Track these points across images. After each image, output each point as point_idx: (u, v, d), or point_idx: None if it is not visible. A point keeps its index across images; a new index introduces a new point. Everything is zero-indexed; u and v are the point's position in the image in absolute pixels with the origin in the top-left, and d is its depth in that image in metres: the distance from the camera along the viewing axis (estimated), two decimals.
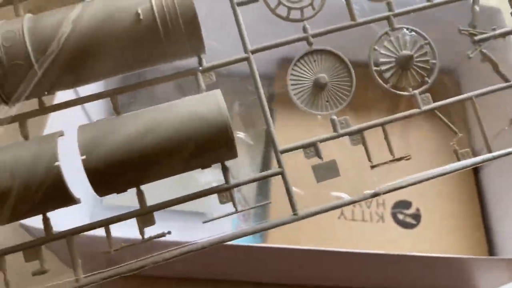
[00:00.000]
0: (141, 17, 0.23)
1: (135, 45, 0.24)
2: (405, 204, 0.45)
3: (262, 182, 0.53)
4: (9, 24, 0.24)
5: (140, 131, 0.23)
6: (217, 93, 0.24)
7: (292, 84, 0.27)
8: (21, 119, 0.25)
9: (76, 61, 0.24)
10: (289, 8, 0.27)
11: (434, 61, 0.28)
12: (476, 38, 0.28)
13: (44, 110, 0.25)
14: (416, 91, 0.27)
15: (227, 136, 0.23)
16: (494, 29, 0.29)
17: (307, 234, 0.45)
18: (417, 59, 0.28)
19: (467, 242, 0.47)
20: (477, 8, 0.29)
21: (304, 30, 0.27)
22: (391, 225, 0.44)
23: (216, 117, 0.23)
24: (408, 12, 0.28)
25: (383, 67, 0.27)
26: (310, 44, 0.27)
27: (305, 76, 0.27)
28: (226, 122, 0.23)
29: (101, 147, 0.23)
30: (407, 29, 0.28)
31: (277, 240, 0.46)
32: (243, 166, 0.58)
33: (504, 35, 0.29)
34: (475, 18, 0.28)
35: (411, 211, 0.47)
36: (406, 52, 0.28)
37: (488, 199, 0.50)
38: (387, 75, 0.27)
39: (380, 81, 0.27)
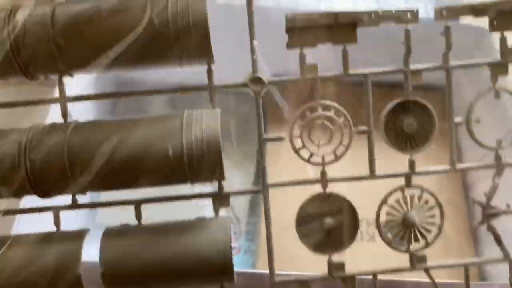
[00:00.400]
0: (171, 154, 0.26)
1: (164, 175, 0.27)
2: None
3: (254, 201, 0.55)
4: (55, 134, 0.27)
5: (157, 262, 0.27)
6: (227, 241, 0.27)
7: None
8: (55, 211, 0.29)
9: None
10: (311, 154, 0.29)
11: (440, 223, 0.29)
12: (487, 212, 0.29)
13: (77, 206, 0.29)
14: (411, 250, 0.29)
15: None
16: (508, 206, 0.29)
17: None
18: (423, 222, 0.29)
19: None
20: (497, 181, 0.29)
21: (322, 175, 0.29)
22: (382, 244, 0.42)
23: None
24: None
25: (388, 222, 0.29)
26: (324, 188, 0.29)
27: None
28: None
29: (121, 267, 0.27)
30: (422, 189, 0.29)
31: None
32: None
33: None
34: (491, 193, 0.29)
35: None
36: (412, 216, 0.29)
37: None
38: (387, 230, 0.29)
39: (383, 235, 0.29)
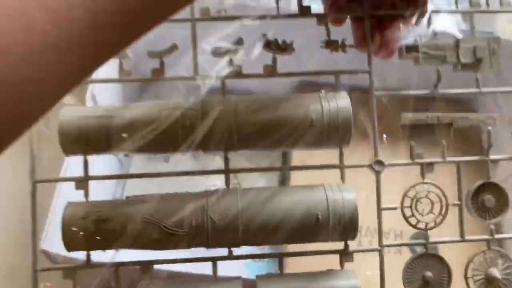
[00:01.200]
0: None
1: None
2: (423, 236, 0.40)
3: None
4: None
5: None
6: None
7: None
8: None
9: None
10: (418, 221, 0.37)
11: None
12: None
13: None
14: None
15: None
16: None
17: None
18: (503, 279, 0.37)
19: None
20: None
21: (426, 239, 0.37)
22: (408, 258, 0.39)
23: None
24: None
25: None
26: (426, 248, 0.37)
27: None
28: None
29: None
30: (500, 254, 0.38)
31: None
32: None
33: None
34: None
35: None
36: (495, 273, 0.37)
37: None
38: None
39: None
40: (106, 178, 0.37)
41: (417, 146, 0.37)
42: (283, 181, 0.68)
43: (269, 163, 0.60)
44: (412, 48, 0.37)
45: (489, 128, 0.38)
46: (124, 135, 0.33)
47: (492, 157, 0.38)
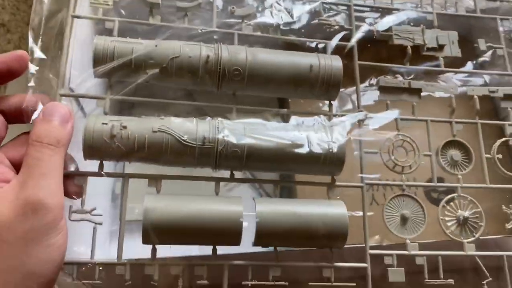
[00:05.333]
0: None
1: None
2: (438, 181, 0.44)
3: None
4: None
5: None
6: None
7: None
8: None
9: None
10: (395, 164, 0.42)
11: (481, 223, 0.42)
12: None
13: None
14: (465, 241, 0.41)
15: None
16: None
17: None
18: (470, 220, 0.42)
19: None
20: None
21: (401, 180, 0.42)
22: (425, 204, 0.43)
23: None
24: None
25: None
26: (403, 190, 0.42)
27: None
28: None
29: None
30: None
31: None
32: None
33: None
34: None
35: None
36: (464, 214, 0.42)
37: None
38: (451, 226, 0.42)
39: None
40: None
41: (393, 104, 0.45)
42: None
43: None
44: (386, 30, 0.46)
45: (452, 96, 0.45)
46: (151, 61, 0.39)
47: (455, 119, 0.45)
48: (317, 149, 0.39)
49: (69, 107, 0.36)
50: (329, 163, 0.40)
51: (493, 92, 0.46)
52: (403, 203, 0.42)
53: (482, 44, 0.48)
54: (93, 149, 0.37)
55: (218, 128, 0.39)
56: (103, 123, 0.38)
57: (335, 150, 0.39)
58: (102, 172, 0.38)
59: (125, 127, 0.38)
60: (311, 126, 0.41)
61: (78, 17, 0.41)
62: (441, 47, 0.47)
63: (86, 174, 0.38)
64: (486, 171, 0.44)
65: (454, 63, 0.47)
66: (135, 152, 0.37)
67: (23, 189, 0.31)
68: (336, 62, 0.42)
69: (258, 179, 0.42)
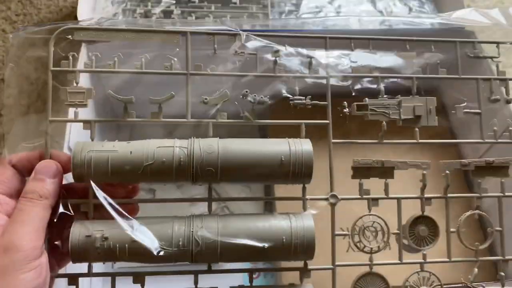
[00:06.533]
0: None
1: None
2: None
3: None
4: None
5: None
6: None
7: None
8: None
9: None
10: (364, 246, 0.45)
11: None
12: None
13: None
14: None
15: None
16: None
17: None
18: None
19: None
20: None
21: (370, 260, 0.45)
22: (397, 251, 0.46)
23: None
24: None
25: None
26: (371, 268, 0.45)
27: None
28: None
29: None
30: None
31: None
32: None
33: None
34: None
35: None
36: None
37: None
38: None
39: None
40: None
41: (366, 183, 0.46)
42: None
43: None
44: (362, 106, 0.46)
45: (424, 172, 0.46)
46: (127, 167, 0.41)
47: (426, 195, 0.47)
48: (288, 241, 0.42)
49: (57, 164, 0.41)
50: (300, 252, 0.42)
51: (465, 165, 0.47)
52: (370, 281, 0.46)
53: (459, 111, 0.48)
54: (80, 256, 0.41)
55: (192, 231, 0.41)
56: (86, 236, 0.40)
57: (305, 239, 0.42)
58: (91, 273, 0.42)
59: (106, 238, 0.40)
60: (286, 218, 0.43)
61: (55, 120, 0.42)
62: (417, 118, 0.47)
63: (76, 276, 0.42)
64: (451, 246, 0.47)
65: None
66: (118, 257, 0.40)
67: (4, 233, 0.38)
68: (307, 147, 0.43)
69: (234, 269, 0.45)
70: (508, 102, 0.49)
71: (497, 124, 0.49)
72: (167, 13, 0.75)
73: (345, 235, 0.45)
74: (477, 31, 0.58)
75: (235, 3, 0.77)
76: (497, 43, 0.50)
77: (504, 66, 0.50)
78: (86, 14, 0.70)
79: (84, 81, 0.52)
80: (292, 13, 0.73)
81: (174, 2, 0.76)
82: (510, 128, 0.49)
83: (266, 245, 0.41)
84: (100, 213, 0.42)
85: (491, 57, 0.50)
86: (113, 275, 0.43)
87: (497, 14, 0.56)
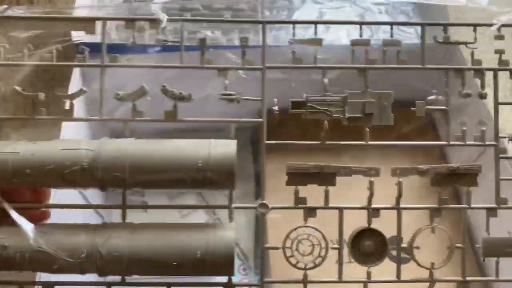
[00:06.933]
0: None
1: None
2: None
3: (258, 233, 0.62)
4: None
5: None
6: None
7: None
8: None
9: None
10: (297, 261, 0.40)
11: None
12: None
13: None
14: None
15: None
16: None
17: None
18: None
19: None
20: None
21: (304, 276, 0.40)
22: (386, 263, 0.42)
23: None
24: None
25: None
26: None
27: None
28: None
29: None
30: None
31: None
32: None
33: None
34: None
35: (404, 245, 0.43)
36: None
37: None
38: None
39: None
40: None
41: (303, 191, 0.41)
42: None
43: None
44: (299, 104, 0.40)
45: (371, 179, 0.40)
46: (28, 170, 0.37)
47: (373, 206, 0.41)
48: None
49: None
50: (218, 267, 0.38)
51: (422, 172, 0.40)
52: None
53: (420, 109, 0.41)
54: None
55: (97, 242, 0.38)
56: None
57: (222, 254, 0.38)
58: None
59: (5, 247, 0.38)
60: None
61: None
62: (368, 116, 0.41)
63: None
64: (400, 264, 0.41)
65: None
66: (18, 267, 0.38)
67: None
68: (229, 150, 0.38)
69: (147, 282, 0.41)
70: (481, 97, 0.41)
71: (468, 123, 0.41)
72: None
73: (275, 248, 0.40)
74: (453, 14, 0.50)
75: (226, 17, 0.72)
76: (474, 25, 0.42)
77: (481, 54, 0.42)
78: None
79: None
80: (283, 28, 0.74)
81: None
82: (483, 128, 0.41)
83: (174, 262, 0.37)
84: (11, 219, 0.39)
85: (464, 43, 0.42)
86: (20, 284, 0.40)
87: None
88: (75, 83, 0.56)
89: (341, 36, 0.71)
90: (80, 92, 0.40)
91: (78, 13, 0.43)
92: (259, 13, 0.73)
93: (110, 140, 0.39)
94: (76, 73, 0.57)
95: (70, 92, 0.40)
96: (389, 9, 0.81)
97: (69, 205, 0.42)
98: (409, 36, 0.70)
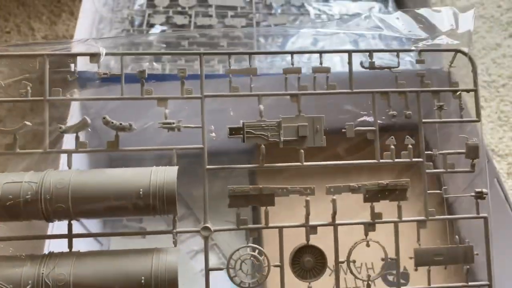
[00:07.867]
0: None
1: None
2: (394, 265, 0.43)
3: None
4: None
5: None
6: None
7: None
8: None
9: None
10: (241, 281, 0.42)
11: None
12: None
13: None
14: None
15: None
16: None
17: None
18: None
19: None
20: None
21: None
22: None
23: None
24: None
25: None
26: None
27: None
28: None
29: None
30: None
31: None
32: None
33: None
34: None
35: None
36: None
37: None
38: None
39: None
40: None
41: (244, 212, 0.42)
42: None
43: None
44: (237, 130, 0.42)
45: (307, 198, 0.43)
46: None
47: (311, 223, 0.43)
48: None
49: None
50: None
51: (354, 189, 0.43)
52: None
53: (350, 131, 0.44)
54: None
55: (43, 273, 0.38)
56: None
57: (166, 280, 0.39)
58: None
59: None
60: None
61: None
62: (302, 138, 0.43)
63: None
64: (342, 276, 0.43)
65: None
66: None
67: None
68: (169, 176, 0.40)
69: None
70: (406, 117, 0.45)
71: (395, 142, 0.45)
72: (157, 58, 0.69)
73: (219, 269, 0.42)
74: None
75: (222, 46, 0.74)
76: (396, 51, 0.46)
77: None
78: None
79: None
80: (278, 55, 0.75)
81: (164, 45, 0.72)
82: (410, 146, 0.44)
83: None
84: None
85: (388, 68, 0.45)
86: None
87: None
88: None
89: (335, 62, 0.69)
90: (22, 126, 0.41)
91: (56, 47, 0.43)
92: (254, 40, 0.75)
93: (54, 172, 0.40)
94: None
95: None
96: (382, 35, 0.81)
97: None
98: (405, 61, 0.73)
